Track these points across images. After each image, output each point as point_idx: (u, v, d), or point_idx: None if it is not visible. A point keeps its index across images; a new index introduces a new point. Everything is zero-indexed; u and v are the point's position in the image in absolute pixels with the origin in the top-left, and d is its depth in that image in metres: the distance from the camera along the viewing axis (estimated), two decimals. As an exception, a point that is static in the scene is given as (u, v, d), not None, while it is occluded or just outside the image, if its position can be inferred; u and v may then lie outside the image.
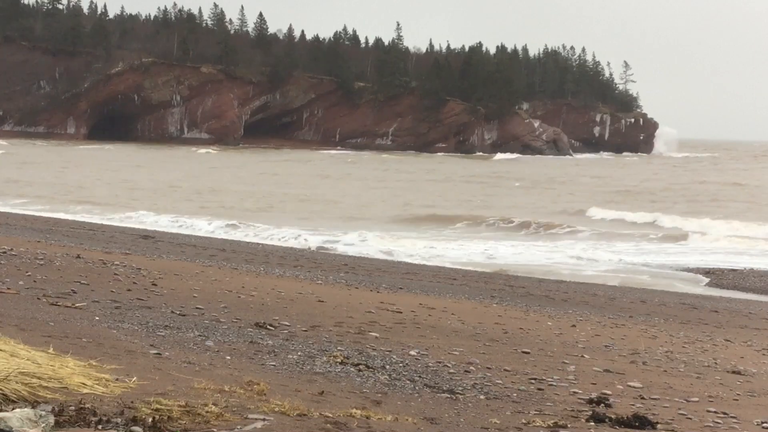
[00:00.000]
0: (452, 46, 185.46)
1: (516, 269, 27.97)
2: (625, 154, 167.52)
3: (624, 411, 8.05)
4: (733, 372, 11.33)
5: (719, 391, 9.81)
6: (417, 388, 8.59)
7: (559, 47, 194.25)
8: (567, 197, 62.32)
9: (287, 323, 11.66)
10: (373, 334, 11.51)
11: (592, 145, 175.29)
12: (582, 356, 11.47)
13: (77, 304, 11.18)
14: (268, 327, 11.19)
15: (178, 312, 11.62)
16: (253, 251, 26.74)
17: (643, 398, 8.99)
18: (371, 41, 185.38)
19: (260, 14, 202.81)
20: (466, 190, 68.29)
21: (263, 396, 7.18)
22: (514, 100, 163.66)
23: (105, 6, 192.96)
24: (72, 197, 50.83)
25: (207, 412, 6.33)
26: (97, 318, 10.46)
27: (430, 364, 9.83)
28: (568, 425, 7.43)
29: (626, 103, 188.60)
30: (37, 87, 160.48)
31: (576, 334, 13.66)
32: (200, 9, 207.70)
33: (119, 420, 5.99)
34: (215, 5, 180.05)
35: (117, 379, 7.03)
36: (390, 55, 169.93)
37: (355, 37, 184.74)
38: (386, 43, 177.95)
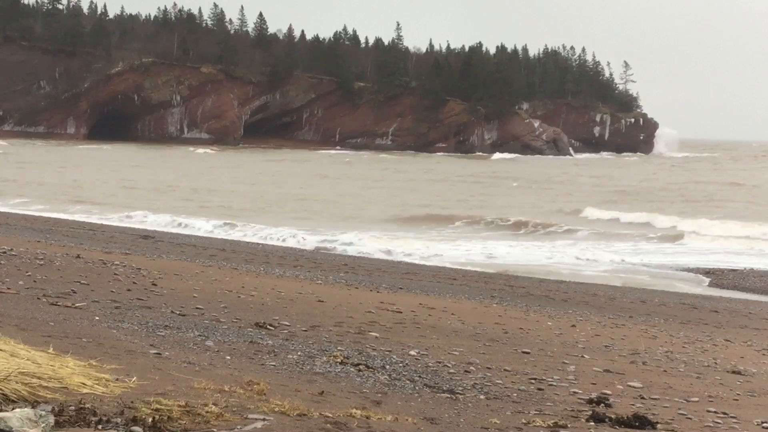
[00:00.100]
0: (452, 46, 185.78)
1: (516, 269, 27.98)
2: (624, 154, 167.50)
3: (624, 411, 8.05)
4: (733, 372, 11.33)
5: (719, 391, 9.81)
6: (417, 388, 8.59)
7: (559, 47, 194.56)
8: (565, 197, 62.32)
9: (287, 323, 11.66)
10: (373, 334, 11.51)
11: (592, 145, 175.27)
12: (582, 356, 11.47)
13: (77, 304, 11.18)
14: (268, 327, 11.19)
15: (178, 312, 11.62)
16: (253, 251, 26.75)
17: (643, 398, 8.99)
18: (371, 41, 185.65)
19: (260, 14, 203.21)
20: (464, 190, 68.29)
21: (263, 396, 7.18)
22: (514, 100, 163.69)
23: (105, 6, 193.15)
24: (71, 197, 50.84)
25: (207, 412, 6.33)
26: (97, 318, 10.46)
27: (430, 364, 9.83)
28: (568, 425, 7.43)
29: (626, 103, 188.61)
30: (37, 87, 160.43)
31: (576, 334, 13.66)
32: (200, 9, 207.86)
33: (119, 420, 5.99)
34: (215, 5, 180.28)
35: (117, 379, 7.03)
36: (390, 55, 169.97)
37: (355, 37, 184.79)
38: (386, 43, 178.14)
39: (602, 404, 8.40)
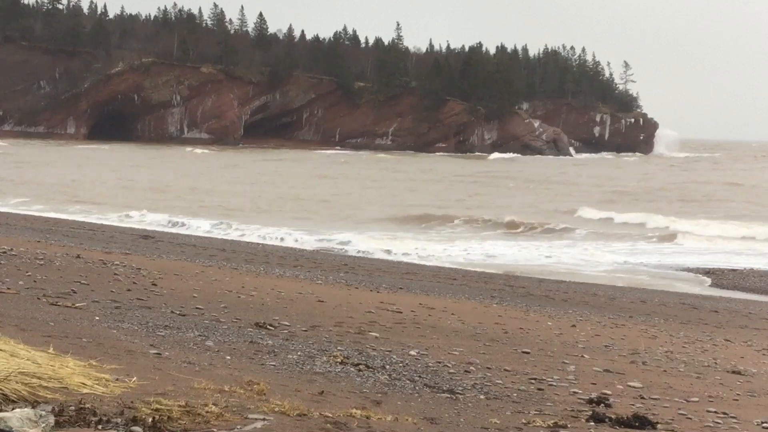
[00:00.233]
0: (452, 46, 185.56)
1: (515, 269, 27.99)
2: (624, 154, 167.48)
3: (624, 411, 8.05)
4: (733, 372, 11.33)
5: (719, 391, 9.81)
6: (417, 388, 8.59)
7: (559, 47, 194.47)
8: (563, 197, 62.27)
9: (287, 323, 11.66)
10: (373, 334, 11.51)
11: (592, 145, 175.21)
12: (582, 356, 11.47)
13: (77, 304, 11.18)
14: (268, 327, 11.19)
15: (178, 312, 11.62)
16: (253, 251, 26.76)
17: (643, 398, 8.99)
18: (371, 41, 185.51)
19: (260, 14, 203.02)
20: (462, 190, 68.29)
21: (263, 396, 7.18)
22: (514, 100, 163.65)
23: (105, 6, 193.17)
24: (71, 197, 50.84)
25: (207, 412, 6.33)
26: (97, 318, 10.46)
27: (430, 364, 9.83)
28: (568, 425, 7.43)
29: (626, 103, 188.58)
30: (37, 87, 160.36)
31: (576, 334, 13.66)
32: (200, 9, 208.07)
33: (119, 420, 5.99)
34: (215, 5, 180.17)
35: (117, 379, 7.03)
36: (390, 55, 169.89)
37: (355, 37, 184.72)
38: (386, 43, 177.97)
39: (602, 404, 8.40)
